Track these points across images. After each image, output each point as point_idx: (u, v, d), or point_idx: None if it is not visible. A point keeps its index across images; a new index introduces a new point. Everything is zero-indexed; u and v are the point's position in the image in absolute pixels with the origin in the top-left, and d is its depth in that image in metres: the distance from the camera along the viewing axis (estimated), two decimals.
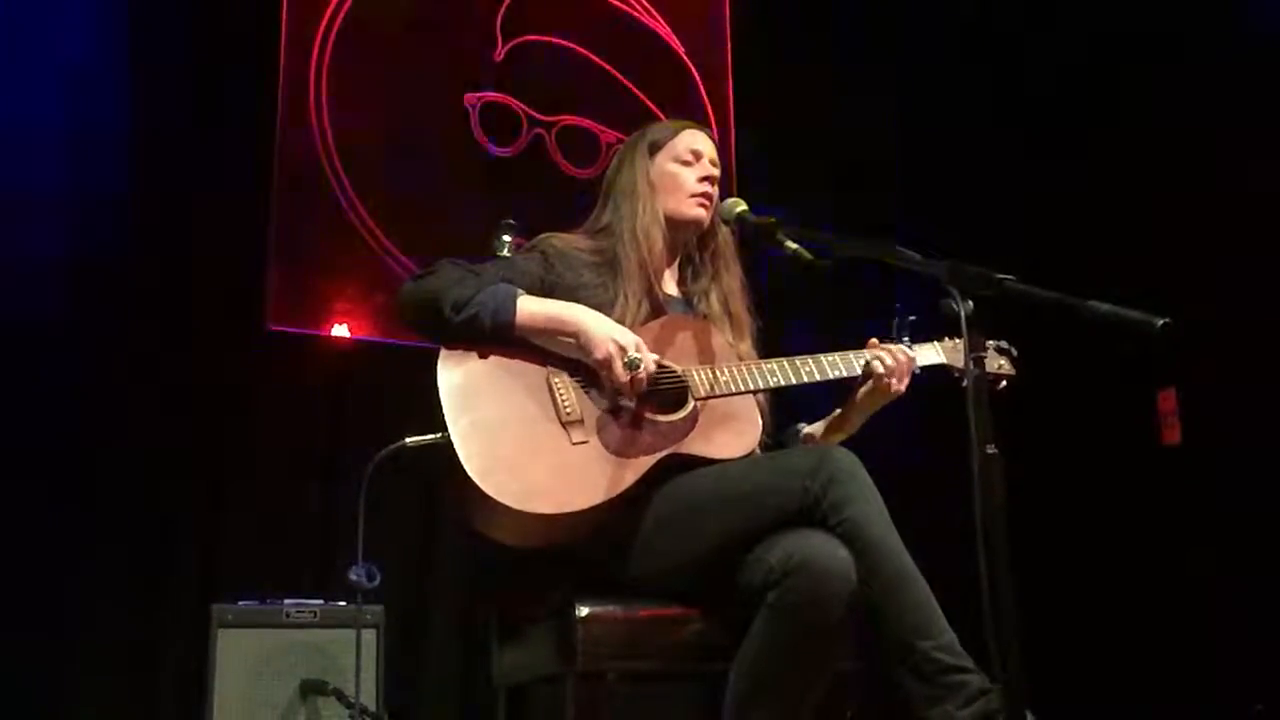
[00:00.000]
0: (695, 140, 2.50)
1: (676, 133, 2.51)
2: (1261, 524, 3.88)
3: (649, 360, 2.15)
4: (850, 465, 2.05)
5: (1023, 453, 2.24)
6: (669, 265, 2.50)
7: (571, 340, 2.18)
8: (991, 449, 1.77)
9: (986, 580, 1.73)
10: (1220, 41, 4.23)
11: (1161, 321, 1.75)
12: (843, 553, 1.96)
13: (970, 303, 1.85)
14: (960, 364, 2.39)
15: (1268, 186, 3.99)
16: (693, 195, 2.44)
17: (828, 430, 2.50)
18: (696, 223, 2.47)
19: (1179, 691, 4.00)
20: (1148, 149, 4.38)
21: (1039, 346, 2.61)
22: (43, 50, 3.59)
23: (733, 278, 2.51)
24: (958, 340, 2.43)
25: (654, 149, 2.49)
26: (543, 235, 2.42)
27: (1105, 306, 1.79)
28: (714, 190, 2.47)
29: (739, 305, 2.49)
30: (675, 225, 2.45)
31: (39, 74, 3.56)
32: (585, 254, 2.38)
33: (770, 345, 2.48)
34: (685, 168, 2.46)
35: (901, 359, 2.37)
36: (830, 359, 2.34)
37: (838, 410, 2.48)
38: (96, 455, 3.45)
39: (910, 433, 3.31)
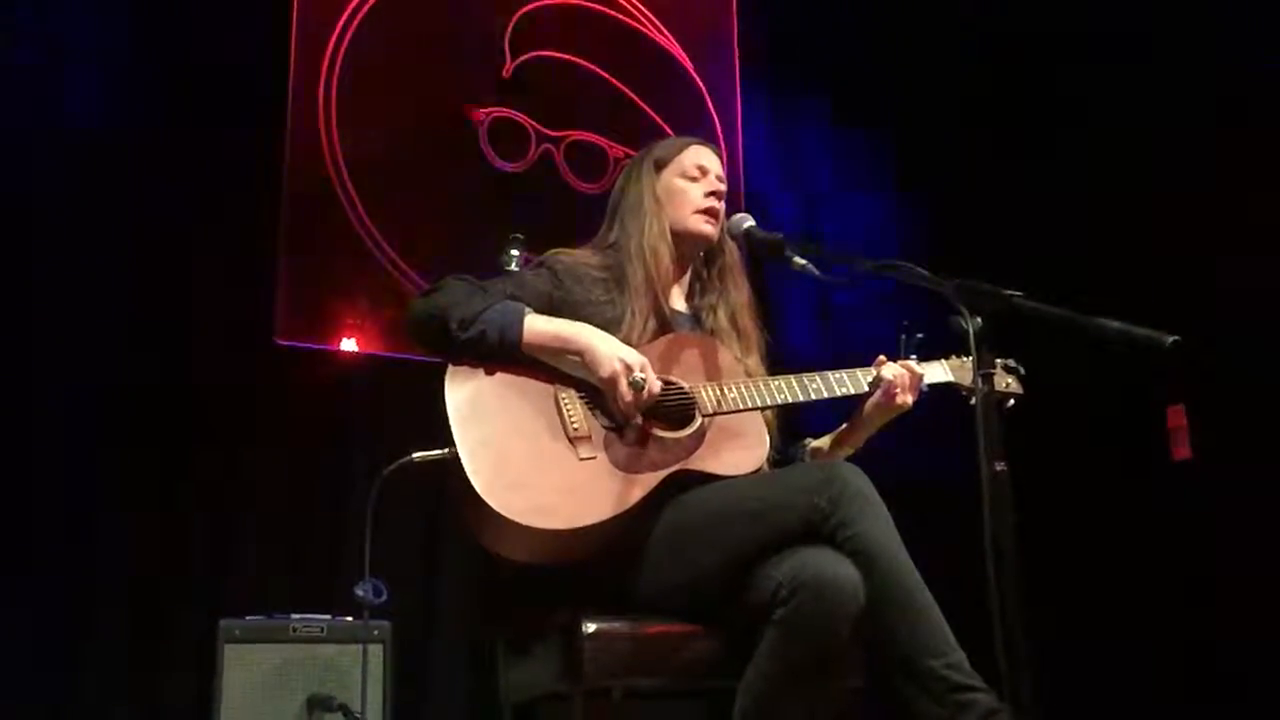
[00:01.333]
0: (701, 156, 2.50)
1: (683, 148, 2.52)
2: (1271, 541, 3.87)
3: (654, 382, 2.15)
4: (858, 481, 2.05)
5: (1032, 470, 2.23)
6: (677, 281, 2.49)
7: (578, 359, 2.18)
8: (1000, 466, 1.77)
9: (996, 598, 1.72)
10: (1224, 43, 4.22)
11: (1172, 339, 1.75)
12: (851, 570, 1.96)
13: (979, 320, 1.85)
14: (968, 382, 2.42)
15: (1271, 190, 3.97)
16: (699, 210, 2.44)
17: (834, 444, 2.50)
18: (703, 238, 2.47)
19: (1188, 709, 3.98)
20: (1148, 154, 4.37)
21: (1047, 361, 2.60)
22: (45, 65, 3.60)
23: (740, 293, 2.51)
24: (965, 359, 2.44)
25: (660, 165, 2.50)
26: (551, 251, 2.42)
27: (1115, 324, 1.79)
28: (720, 205, 2.47)
29: (747, 320, 2.49)
30: (682, 240, 2.45)
31: (40, 83, 3.57)
32: (593, 270, 2.38)
33: (776, 361, 2.48)
34: (692, 183, 2.47)
35: (909, 373, 2.37)
36: (838, 375, 2.35)
37: (844, 425, 2.48)
38: (100, 471, 3.45)
39: (918, 449, 3.30)
